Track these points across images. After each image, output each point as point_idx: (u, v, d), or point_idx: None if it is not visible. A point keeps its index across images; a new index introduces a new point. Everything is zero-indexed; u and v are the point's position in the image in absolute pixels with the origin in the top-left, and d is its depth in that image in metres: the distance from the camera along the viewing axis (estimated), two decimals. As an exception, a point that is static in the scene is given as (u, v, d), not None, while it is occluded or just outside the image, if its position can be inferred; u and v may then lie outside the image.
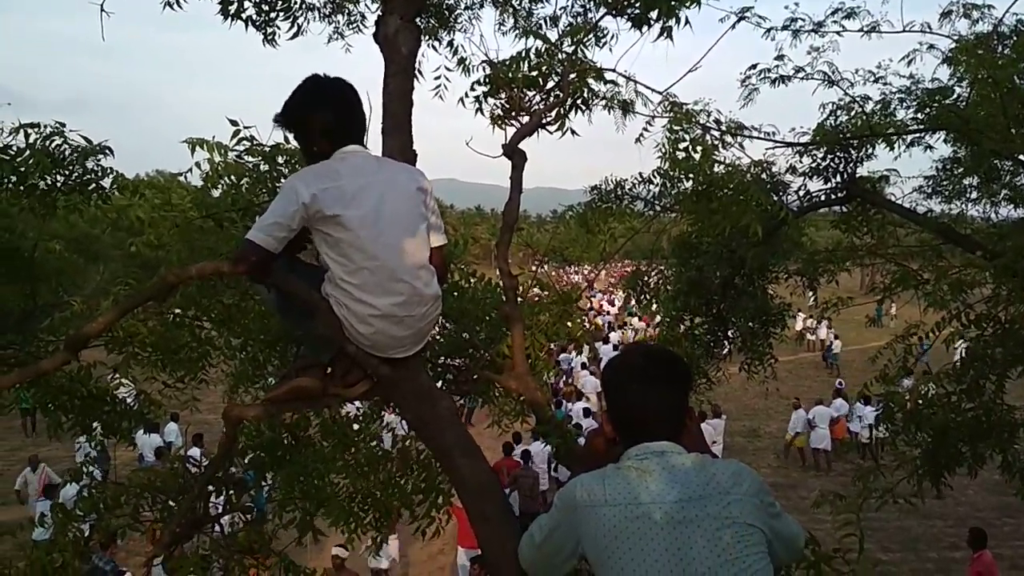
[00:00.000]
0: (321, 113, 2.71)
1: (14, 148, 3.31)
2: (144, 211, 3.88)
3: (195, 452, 14.37)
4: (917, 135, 7.38)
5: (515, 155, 3.74)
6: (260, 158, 4.26)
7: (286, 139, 4.37)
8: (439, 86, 5.02)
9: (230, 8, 4.66)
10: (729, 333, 7.47)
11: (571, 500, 2.17)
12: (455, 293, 4.68)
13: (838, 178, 6.94)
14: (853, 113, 6.92)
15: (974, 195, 9.48)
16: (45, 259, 3.84)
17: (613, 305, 44.53)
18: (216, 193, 4.25)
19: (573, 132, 4.51)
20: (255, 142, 4.22)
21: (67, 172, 3.45)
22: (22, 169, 3.29)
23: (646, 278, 7.82)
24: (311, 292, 2.69)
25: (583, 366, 24.83)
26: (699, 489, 2.03)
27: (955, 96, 7.04)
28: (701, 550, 1.95)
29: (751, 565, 1.96)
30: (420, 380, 2.87)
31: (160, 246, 4.04)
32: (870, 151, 6.96)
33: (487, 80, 4.51)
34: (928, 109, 6.98)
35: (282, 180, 4.29)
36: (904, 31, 7.15)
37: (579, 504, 2.13)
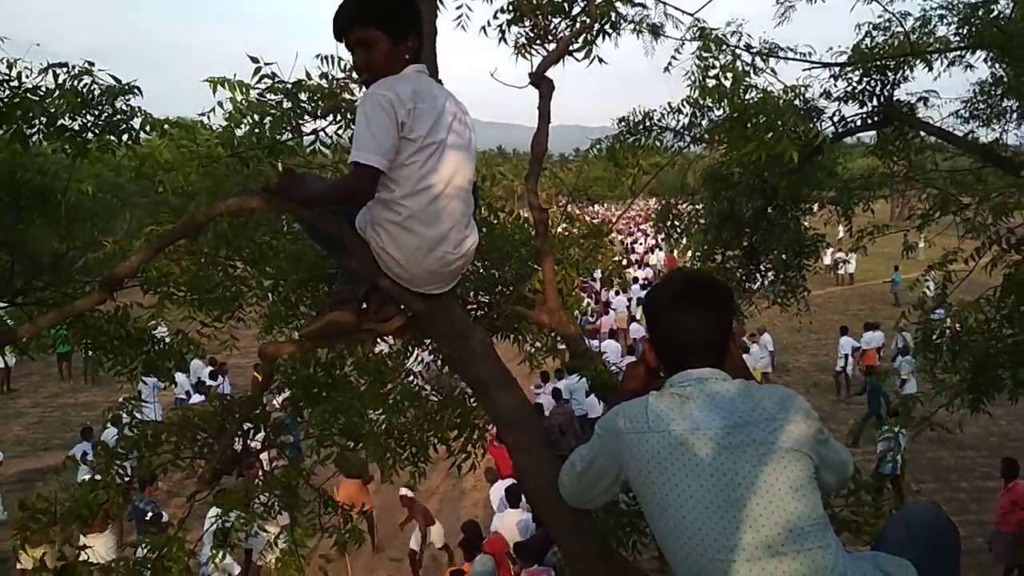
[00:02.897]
0: (420, 18, 2.63)
1: (43, 89, 3.27)
2: (171, 151, 3.85)
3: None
4: (958, 53, 7.10)
5: (542, 84, 3.65)
6: (282, 96, 4.20)
7: (308, 75, 4.31)
8: (461, 16, 4.89)
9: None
10: (761, 266, 7.37)
11: (613, 428, 2.14)
12: (483, 229, 4.63)
13: (874, 101, 6.73)
14: (891, 33, 6.66)
15: (1014, 117, 9.17)
16: (78, 201, 3.83)
17: (640, 244, 44.60)
18: (240, 133, 4.20)
19: (600, 60, 4.39)
20: (276, 79, 4.16)
21: (96, 112, 3.41)
22: (52, 110, 3.26)
23: (675, 211, 7.70)
24: (343, 226, 2.65)
25: (607, 304, 25.12)
26: (744, 415, 1.99)
27: (996, 13, 6.74)
28: (747, 476, 1.92)
29: (797, 490, 1.93)
30: (454, 314, 2.84)
31: (187, 187, 4.02)
32: (908, 73, 6.73)
33: (511, 7, 4.39)
34: (969, 25, 6.70)
35: (306, 117, 4.24)
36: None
37: (621, 432, 2.11)
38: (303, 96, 4.19)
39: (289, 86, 4.16)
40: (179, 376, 16.08)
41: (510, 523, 9.96)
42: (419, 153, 2.48)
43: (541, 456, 2.58)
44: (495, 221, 4.74)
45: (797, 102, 6.21)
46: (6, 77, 3.32)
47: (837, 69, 6.84)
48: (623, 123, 6.57)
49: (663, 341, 2.20)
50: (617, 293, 25.74)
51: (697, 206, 7.79)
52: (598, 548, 2.46)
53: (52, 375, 23.69)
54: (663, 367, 2.22)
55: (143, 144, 4.03)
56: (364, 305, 2.88)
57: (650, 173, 6.87)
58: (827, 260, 32.24)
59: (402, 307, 2.80)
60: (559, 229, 5.81)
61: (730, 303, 2.25)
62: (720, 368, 2.13)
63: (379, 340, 4.26)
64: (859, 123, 6.89)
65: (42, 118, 3.37)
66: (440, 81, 3.12)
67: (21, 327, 2.92)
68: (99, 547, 10.22)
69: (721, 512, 1.92)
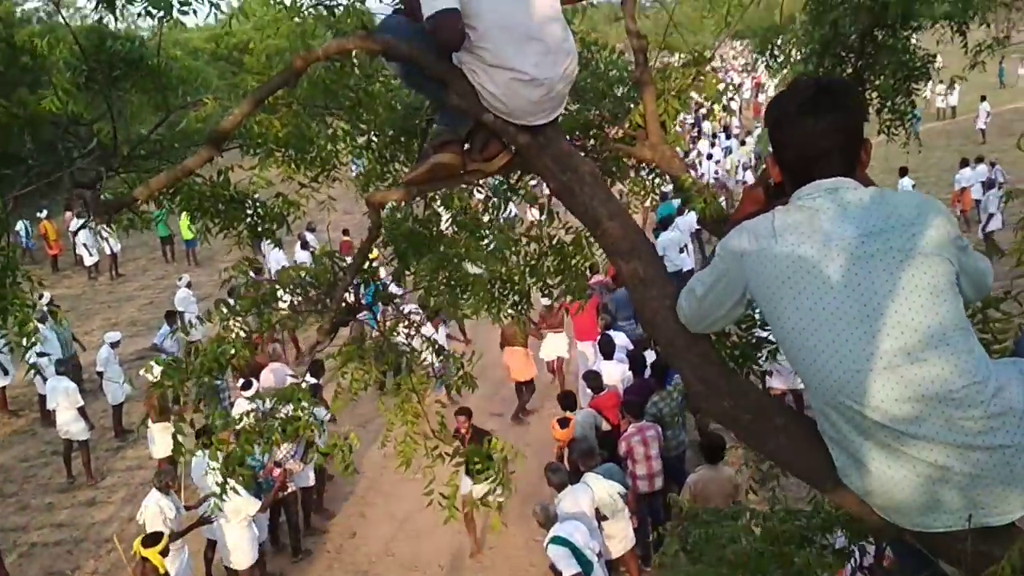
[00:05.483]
0: None
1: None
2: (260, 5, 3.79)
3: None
4: None
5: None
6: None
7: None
8: None
9: None
10: (866, 94, 6.91)
11: (735, 248, 2.08)
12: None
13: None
14: None
15: None
16: (169, 68, 3.84)
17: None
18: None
19: None
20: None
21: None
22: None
23: (776, 40, 7.23)
24: (442, 61, 2.58)
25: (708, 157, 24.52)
26: (879, 223, 1.89)
27: None
28: (884, 284, 1.85)
29: (939, 295, 1.84)
30: (560, 147, 2.77)
31: (277, 46, 3.99)
32: None
33: None
34: None
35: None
36: None
37: (745, 251, 2.05)
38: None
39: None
40: (277, 252, 16.66)
41: (612, 373, 10.24)
42: None
43: (658, 283, 2.53)
44: (588, 56, 4.54)
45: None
46: None
47: None
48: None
49: (789, 152, 2.08)
50: (714, 136, 25.12)
51: (799, 33, 7.29)
52: (718, 371, 2.44)
53: (156, 259, 24.96)
54: (788, 182, 2.12)
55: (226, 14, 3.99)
56: (467, 145, 2.83)
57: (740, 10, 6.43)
58: (927, 94, 30.33)
59: (506, 143, 2.75)
60: (655, 63, 5.53)
61: (862, 106, 2.11)
62: (851, 177, 2.02)
63: (479, 186, 4.25)
64: (978, -75, 6.22)
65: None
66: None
67: (136, 189, 2.98)
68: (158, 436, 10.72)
69: (856, 323, 1.86)
